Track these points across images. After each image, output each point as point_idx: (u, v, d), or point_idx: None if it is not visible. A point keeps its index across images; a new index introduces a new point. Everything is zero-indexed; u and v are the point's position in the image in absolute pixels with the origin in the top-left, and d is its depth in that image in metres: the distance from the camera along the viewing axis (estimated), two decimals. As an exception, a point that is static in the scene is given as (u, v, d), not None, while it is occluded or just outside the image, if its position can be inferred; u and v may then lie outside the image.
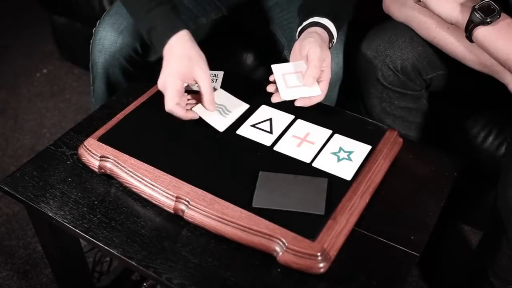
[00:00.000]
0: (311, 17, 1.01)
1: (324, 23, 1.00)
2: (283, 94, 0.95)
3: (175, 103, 0.93)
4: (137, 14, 1.01)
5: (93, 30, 1.17)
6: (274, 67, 0.99)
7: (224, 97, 1.00)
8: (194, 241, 0.81)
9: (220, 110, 0.98)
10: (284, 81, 0.96)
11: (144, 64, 1.17)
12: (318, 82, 0.95)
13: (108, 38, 1.13)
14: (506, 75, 0.96)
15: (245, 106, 0.99)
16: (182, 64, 0.93)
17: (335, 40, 1.03)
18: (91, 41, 1.17)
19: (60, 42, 2.02)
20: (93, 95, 1.23)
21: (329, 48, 1.00)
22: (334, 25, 1.01)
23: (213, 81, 1.05)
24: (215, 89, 1.01)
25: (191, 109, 0.96)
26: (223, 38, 1.39)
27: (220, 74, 1.07)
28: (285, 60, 1.21)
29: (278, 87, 0.96)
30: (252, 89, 1.03)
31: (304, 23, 1.01)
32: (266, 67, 1.43)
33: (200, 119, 0.96)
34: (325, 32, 1.00)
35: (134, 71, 1.17)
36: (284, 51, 1.19)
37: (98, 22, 1.18)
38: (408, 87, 1.10)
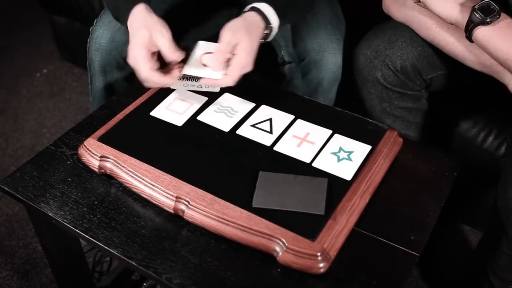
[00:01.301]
0: (252, 3, 1.00)
1: (259, 7, 0.99)
2: (186, 69, 0.98)
3: (148, 69, 0.94)
4: None
5: (90, 29, 1.17)
6: (200, 43, 1.02)
7: (230, 99, 1.00)
8: (194, 241, 0.81)
9: (226, 112, 0.98)
10: (197, 58, 0.99)
11: None
12: (227, 66, 0.95)
13: (105, 37, 1.14)
14: (506, 75, 0.96)
15: (251, 105, 0.99)
16: (142, 33, 0.95)
17: (274, 25, 1.00)
18: (88, 39, 1.17)
19: (60, 42, 2.02)
20: (91, 94, 1.24)
21: (266, 33, 0.99)
22: (273, 8, 0.99)
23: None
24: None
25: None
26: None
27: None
28: (283, 60, 1.21)
29: (187, 62, 0.99)
30: (251, 89, 1.03)
31: (245, 9, 1.01)
32: (264, 67, 1.43)
33: (199, 121, 0.96)
34: (257, 16, 0.98)
35: (132, 70, 1.17)
36: (282, 50, 1.19)
37: (95, 21, 1.18)
38: (408, 87, 1.10)
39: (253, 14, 0.99)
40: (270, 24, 1.00)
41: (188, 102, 1.00)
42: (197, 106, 0.99)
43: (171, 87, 1.02)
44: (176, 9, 1.24)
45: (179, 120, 0.96)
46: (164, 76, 0.95)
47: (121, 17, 1.01)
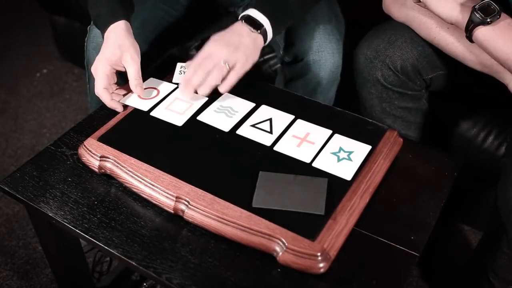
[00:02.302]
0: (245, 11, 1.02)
1: (249, 13, 1.01)
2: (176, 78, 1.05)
3: (102, 87, 0.99)
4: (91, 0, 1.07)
5: (88, 28, 1.17)
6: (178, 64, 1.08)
7: (230, 99, 1.00)
8: (194, 241, 0.81)
9: (226, 112, 0.98)
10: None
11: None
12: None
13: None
14: (506, 75, 0.96)
15: (251, 105, 0.99)
16: (113, 51, 0.99)
17: (267, 27, 1.01)
18: (86, 39, 1.18)
19: (60, 42, 2.02)
20: (89, 93, 1.24)
21: (260, 33, 1.00)
22: (260, 10, 1.01)
23: None
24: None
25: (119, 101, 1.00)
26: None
27: None
28: (282, 60, 1.21)
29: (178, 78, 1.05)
30: (251, 89, 1.03)
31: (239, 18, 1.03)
32: (266, 67, 1.43)
33: (199, 121, 0.96)
34: (243, 25, 1.00)
35: None
36: (281, 50, 1.19)
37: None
38: (408, 87, 1.10)
39: (238, 23, 1.01)
40: (263, 27, 1.00)
41: (188, 102, 1.00)
42: (197, 106, 0.99)
43: (173, 81, 1.05)
44: (175, 11, 1.24)
45: (179, 120, 0.96)
46: (112, 100, 0.99)
47: (100, 26, 1.04)
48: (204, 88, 0.99)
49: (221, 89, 0.99)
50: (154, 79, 1.06)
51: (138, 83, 1.00)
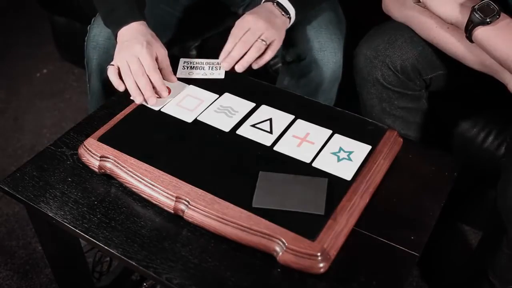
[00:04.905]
0: None
1: None
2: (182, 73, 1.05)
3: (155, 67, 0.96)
4: None
5: (88, 27, 1.18)
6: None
7: (230, 99, 1.00)
8: (194, 241, 0.81)
9: (226, 112, 0.98)
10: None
11: None
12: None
13: (102, 35, 1.14)
14: (505, 75, 0.96)
15: (251, 105, 0.99)
16: (144, 39, 0.97)
17: (292, 16, 1.03)
18: (86, 38, 1.18)
19: (60, 42, 2.02)
20: (89, 92, 1.24)
21: (287, 22, 1.02)
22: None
23: (216, 69, 1.06)
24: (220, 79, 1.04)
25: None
26: (221, 37, 1.39)
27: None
28: (283, 60, 1.22)
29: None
30: (251, 89, 1.03)
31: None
32: (264, 67, 1.43)
33: (200, 121, 0.96)
34: (272, 5, 1.02)
35: None
36: (282, 50, 1.19)
37: (92, 19, 1.18)
38: (408, 87, 1.10)
39: (269, 4, 1.02)
40: (289, 14, 1.02)
41: (198, 99, 1.00)
42: (203, 108, 0.99)
43: (177, 76, 1.05)
44: (178, 9, 1.24)
45: (186, 117, 0.97)
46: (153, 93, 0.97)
47: (113, 23, 1.02)
48: (241, 65, 0.98)
49: (256, 66, 0.99)
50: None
51: (171, 72, 0.99)
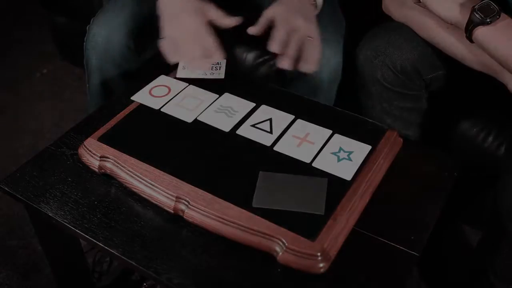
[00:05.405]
0: None
1: None
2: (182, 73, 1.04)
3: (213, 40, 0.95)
4: None
5: (87, 27, 1.18)
6: None
7: (230, 99, 1.00)
8: (194, 241, 0.81)
9: (226, 112, 0.98)
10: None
11: (138, 61, 1.17)
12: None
13: (102, 35, 1.14)
14: (506, 75, 0.96)
15: (251, 105, 0.99)
16: (191, 7, 0.95)
17: (318, 3, 1.03)
18: (85, 38, 1.18)
19: (60, 42, 2.02)
20: (88, 92, 1.24)
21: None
22: None
23: (216, 69, 1.06)
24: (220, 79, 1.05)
25: None
26: (222, 36, 1.39)
27: (223, 62, 1.07)
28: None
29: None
30: (251, 89, 1.03)
31: None
32: (266, 67, 1.43)
33: (199, 121, 0.96)
34: None
35: (129, 68, 1.17)
36: None
37: (92, 19, 1.18)
38: (408, 87, 1.10)
39: None
40: (315, 1, 1.03)
41: (198, 99, 1.00)
42: (203, 108, 0.99)
43: (177, 76, 1.05)
44: None
45: (186, 117, 0.96)
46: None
47: None
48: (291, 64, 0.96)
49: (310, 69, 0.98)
50: (165, 76, 1.06)
51: (225, 17, 0.97)
